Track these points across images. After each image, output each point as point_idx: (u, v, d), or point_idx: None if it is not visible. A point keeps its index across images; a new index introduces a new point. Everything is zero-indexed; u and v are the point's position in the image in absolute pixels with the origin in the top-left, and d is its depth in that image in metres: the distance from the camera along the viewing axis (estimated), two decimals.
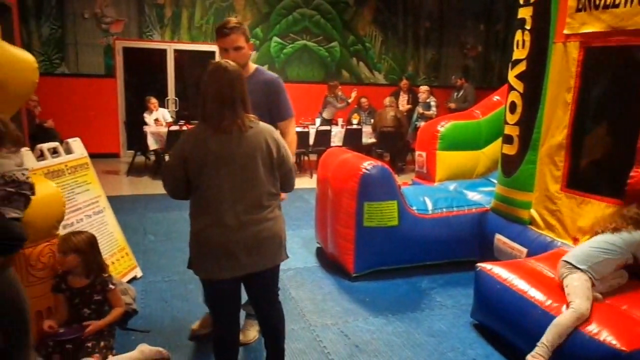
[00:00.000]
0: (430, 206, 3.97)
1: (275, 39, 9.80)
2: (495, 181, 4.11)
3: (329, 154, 4.37)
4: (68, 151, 3.49)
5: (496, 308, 2.85)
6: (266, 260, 2.12)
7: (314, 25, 10.02)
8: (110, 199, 3.78)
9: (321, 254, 4.32)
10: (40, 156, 3.23)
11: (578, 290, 2.48)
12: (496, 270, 2.92)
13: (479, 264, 3.04)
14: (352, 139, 8.18)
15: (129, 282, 3.50)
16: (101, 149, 8.27)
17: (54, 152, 3.36)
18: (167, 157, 7.81)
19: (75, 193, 3.37)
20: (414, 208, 3.88)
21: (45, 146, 3.30)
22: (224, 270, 2.06)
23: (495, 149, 4.73)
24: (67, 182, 3.31)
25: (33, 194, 2.19)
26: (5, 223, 2.03)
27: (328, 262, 4.12)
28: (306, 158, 8.28)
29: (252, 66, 2.74)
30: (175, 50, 9.30)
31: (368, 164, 3.66)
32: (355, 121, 8.85)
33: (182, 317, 3.17)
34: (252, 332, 2.90)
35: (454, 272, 3.94)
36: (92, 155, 3.68)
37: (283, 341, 2.38)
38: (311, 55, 10.12)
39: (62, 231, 2.91)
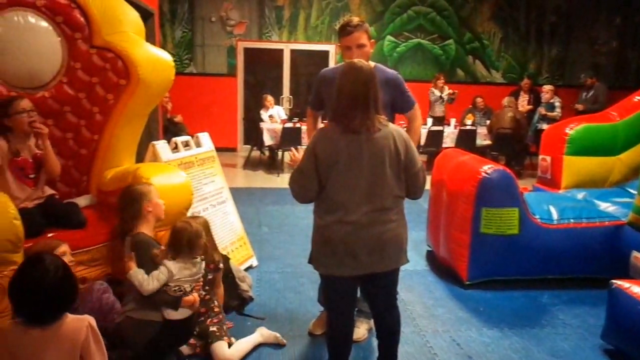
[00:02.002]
0: (555, 215, 3.67)
1: (389, 37, 9.72)
2: (634, 192, 3.69)
3: (445, 155, 4.23)
4: (198, 144, 3.78)
5: (635, 331, 2.55)
6: (387, 262, 2.10)
7: (428, 23, 9.78)
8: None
9: (432, 258, 4.21)
10: (175, 148, 3.54)
11: None
12: (636, 289, 2.61)
13: (614, 281, 2.74)
14: (466, 140, 7.84)
15: (246, 270, 3.69)
16: (221, 143, 8.72)
17: (186, 145, 3.66)
18: (280, 153, 8.14)
19: (203, 184, 3.63)
20: (537, 217, 3.61)
21: (179, 140, 3.60)
22: (344, 267, 2.08)
23: (634, 155, 4.28)
24: (196, 173, 3.58)
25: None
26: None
27: (439, 266, 4.00)
28: None
29: (371, 64, 2.74)
30: (291, 50, 9.64)
31: (488, 168, 3.48)
32: (469, 122, 8.49)
33: (294, 308, 3.27)
34: (361, 330, 2.90)
35: (579, 289, 3.62)
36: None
37: (397, 345, 2.35)
38: (425, 53, 9.89)
39: None
